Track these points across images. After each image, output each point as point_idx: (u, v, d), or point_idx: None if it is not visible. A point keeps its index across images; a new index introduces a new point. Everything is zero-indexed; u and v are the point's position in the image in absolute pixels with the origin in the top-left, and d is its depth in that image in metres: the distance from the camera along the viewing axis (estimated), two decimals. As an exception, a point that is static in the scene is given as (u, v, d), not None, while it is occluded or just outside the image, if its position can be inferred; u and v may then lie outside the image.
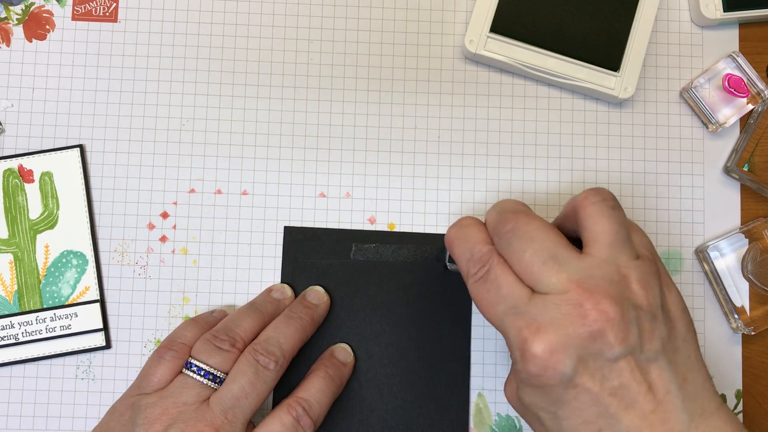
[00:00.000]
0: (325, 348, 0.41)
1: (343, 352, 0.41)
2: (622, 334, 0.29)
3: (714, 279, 0.42)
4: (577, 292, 0.29)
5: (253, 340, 0.38)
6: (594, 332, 0.29)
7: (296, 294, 0.42)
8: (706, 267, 0.42)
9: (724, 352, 0.42)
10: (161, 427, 0.34)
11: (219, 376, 0.36)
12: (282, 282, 0.42)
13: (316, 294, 0.41)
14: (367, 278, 0.42)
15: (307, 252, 0.42)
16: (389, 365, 0.41)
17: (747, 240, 0.42)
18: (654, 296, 0.31)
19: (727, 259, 0.42)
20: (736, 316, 0.42)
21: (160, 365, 0.37)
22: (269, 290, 0.41)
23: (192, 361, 0.36)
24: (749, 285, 0.42)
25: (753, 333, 0.42)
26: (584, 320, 0.29)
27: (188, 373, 0.36)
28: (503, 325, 0.31)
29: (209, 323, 0.39)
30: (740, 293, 0.42)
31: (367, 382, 0.41)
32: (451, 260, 0.38)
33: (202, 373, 0.36)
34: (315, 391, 0.38)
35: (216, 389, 0.36)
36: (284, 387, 0.39)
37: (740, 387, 0.42)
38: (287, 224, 0.43)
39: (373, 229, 0.43)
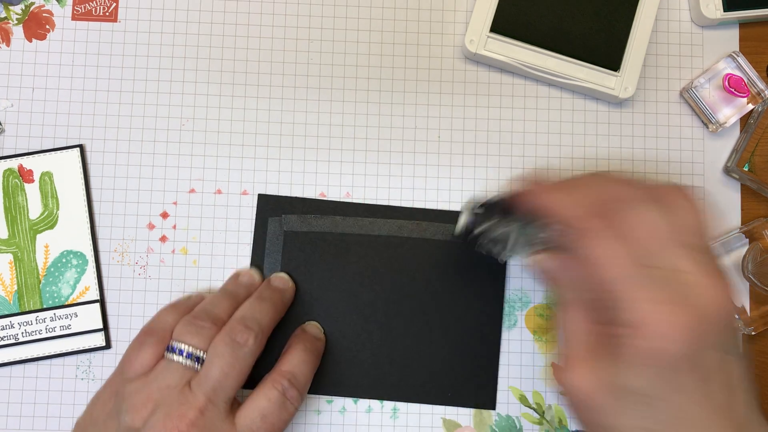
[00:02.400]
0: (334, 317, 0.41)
1: (313, 328, 0.41)
2: (730, 326, 0.30)
3: (714, 279, 0.42)
4: (704, 275, 0.29)
5: None
6: (716, 320, 0.29)
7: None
8: (706, 267, 0.42)
9: (724, 352, 0.42)
10: (146, 413, 0.34)
11: (202, 357, 0.36)
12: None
13: (281, 280, 0.41)
14: (357, 246, 0.42)
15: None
16: (424, 314, 0.42)
17: (747, 240, 0.42)
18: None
19: (727, 259, 0.42)
20: (736, 316, 0.42)
21: (141, 350, 0.36)
22: (236, 275, 0.41)
23: (174, 343, 0.36)
24: (749, 285, 0.42)
25: (753, 333, 0.41)
26: (714, 306, 0.29)
27: (171, 356, 0.36)
28: (623, 285, 0.30)
29: (188, 307, 0.39)
30: (740, 293, 0.42)
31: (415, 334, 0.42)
32: (471, 236, 0.37)
33: (184, 355, 0.35)
34: (297, 362, 0.38)
35: (199, 370, 0.35)
36: (264, 367, 0.38)
37: (740, 387, 0.42)
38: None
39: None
